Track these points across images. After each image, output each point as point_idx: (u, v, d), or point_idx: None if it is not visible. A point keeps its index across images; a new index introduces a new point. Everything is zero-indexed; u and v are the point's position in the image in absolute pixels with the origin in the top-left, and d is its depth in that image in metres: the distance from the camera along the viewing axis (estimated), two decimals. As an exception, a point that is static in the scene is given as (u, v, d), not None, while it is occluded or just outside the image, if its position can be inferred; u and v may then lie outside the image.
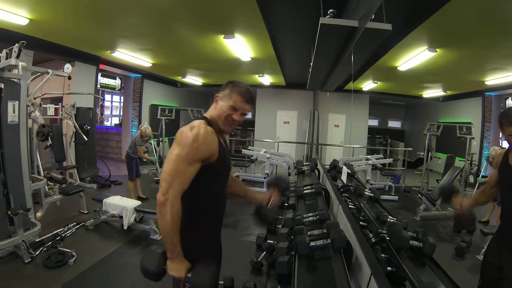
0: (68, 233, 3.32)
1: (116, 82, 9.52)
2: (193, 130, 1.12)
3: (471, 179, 5.14)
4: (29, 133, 3.59)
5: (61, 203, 3.90)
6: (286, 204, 2.16)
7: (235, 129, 10.96)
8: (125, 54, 5.67)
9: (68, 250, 2.83)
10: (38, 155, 4.18)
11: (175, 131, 1.21)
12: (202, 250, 1.21)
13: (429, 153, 5.93)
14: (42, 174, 4.04)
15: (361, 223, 1.70)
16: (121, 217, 3.52)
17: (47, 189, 3.76)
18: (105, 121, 10.37)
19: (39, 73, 3.35)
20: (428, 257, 1.31)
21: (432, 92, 7.32)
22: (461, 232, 3.63)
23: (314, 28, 2.43)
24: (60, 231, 3.29)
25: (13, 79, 2.84)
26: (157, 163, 6.16)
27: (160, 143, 7.18)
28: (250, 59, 5.45)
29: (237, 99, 1.21)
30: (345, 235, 1.27)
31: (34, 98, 4.27)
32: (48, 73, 3.33)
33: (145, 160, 4.95)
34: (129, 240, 3.34)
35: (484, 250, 1.73)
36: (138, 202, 3.65)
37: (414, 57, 4.18)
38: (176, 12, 3.49)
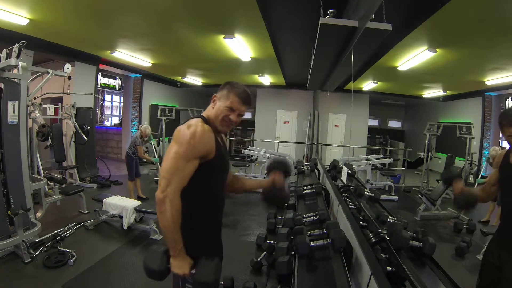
0: (68, 233, 3.32)
1: (116, 82, 9.52)
2: (190, 128, 1.14)
3: (471, 179, 5.15)
4: (29, 133, 3.59)
5: (61, 203, 3.90)
6: (286, 204, 2.16)
7: (235, 129, 10.96)
8: (125, 54, 5.67)
9: (68, 250, 2.83)
10: (38, 155, 4.18)
11: (175, 131, 1.22)
12: (202, 249, 1.21)
13: (429, 153, 5.93)
14: (42, 174, 4.04)
15: (361, 223, 1.70)
16: (121, 217, 3.52)
17: (47, 189, 3.76)
18: (105, 121, 10.37)
19: (39, 73, 3.35)
20: (428, 257, 1.31)
21: (432, 92, 7.32)
22: (461, 232, 3.64)
23: (314, 28, 2.43)
24: (60, 231, 3.29)
25: (13, 79, 2.84)
26: (157, 163, 6.17)
27: (160, 143, 7.19)
28: (250, 59, 5.45)
29: (234, 100, 1.23)
30: (345, 235, 1.27)
31: (34, 98, 4.27)
32: (48, 73, 3.33)
33: (145, 160, 4.94)
34: (129, 240, 3.34)
35: (484, 250, 1.73)
36: (138, 202, 3.65)
37: (414, 57, 4.18)
38: (176, 12, 3.49)
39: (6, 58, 2.88)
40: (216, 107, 1.26)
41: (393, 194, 5.51)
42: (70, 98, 5.69)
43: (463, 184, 1.74)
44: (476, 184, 4.51)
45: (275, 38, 4.14)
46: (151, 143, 6.37)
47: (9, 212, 2.68)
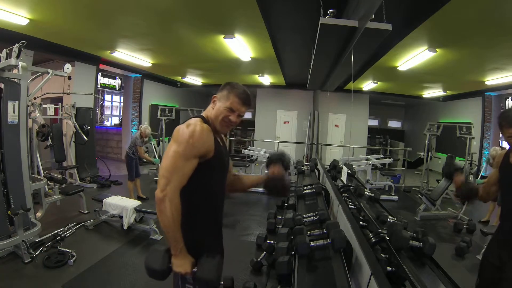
0: (68, 233, 3.32)
1: (116, 82, 9.52)
2: (189, 127, 1.15)
3: (471, 179, 5.15)
4: (29, 133, 3.59)
5: (61, 203, 3.90)
6: (286, 204, 2.15)
7: (235, 129, 10.96)
8: (125, 54, 5.67)
9: (68, 250, 2.83)
10: (38, 155, 4.18)
11: (175, 131, 1.22)
12: (202, 248, 1.21)
13: (429, 153, 5.93)
14: (42, 174, 4.04)
15: (361, 223, 1.70)
16: (121, 217, 3.52)
17: (47, 189, 3.76)
18: (105, 121, 10.37)
19: (39, 73, 3.35)
20: (428, 257, 1.31)
21: (432, 92, 7.32)
22: (461, 232, 3.64)
23: (314, 28, 2.43)
24: (60, 231, 3.29)
25: (13, 79, 2.84)
26: (158, 164, 6.17)
27: (160, 143, 7.19)
28: (250, 59, 5.45)
29: (234, 100, 1.24)
30: (345, 235, 1.27)
31: (34, 98, 4.27)
32: (48, 73, 3.33)
33: (145, 160, 4.95)
34: (129, 240, 3.34)
35: (483, 250, 1.73)
36: (138, 202, 3.64)
37: (414, 57, 4.18)
38: (176, 12, 3.49)
39: (6, 58, 2.88)
40: (216, 107, 1.26)
41: (393, 194, 5.51)
42: (70, 98, 5.69)
43: (464, 177, 1.75)
44: (476, 184, 4.51)
45: (275, 38, 4.14)
46: (151, 143, 6.37)
47: (9, 212, 2.68)
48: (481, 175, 4.97)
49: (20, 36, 4.05)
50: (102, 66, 6.72)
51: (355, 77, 5.63)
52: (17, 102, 2.82)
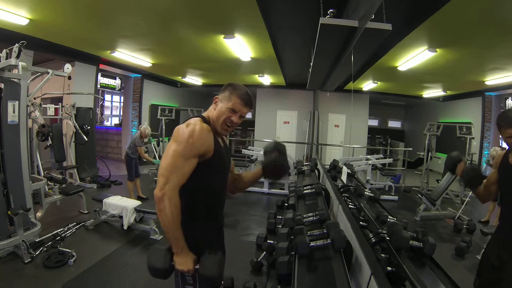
0: (68, 233, 3.32)
1: (116, 82, 9.52)
2: (189, 127, 1.15)
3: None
4: (29, 133, 3.59)
5: (61, 203, 3.90)
6: (286, 204, 2.15)
7: (235, 129, 10.95)
8: (125, 54, 5.67)
9: (68, 250, 2.83)
10: (38, 155, 4.18)
11: (175, 131, 1.22)
12: (203, 248, 1.21)
13: (429, 153, 5.93)
14: (42, 174, 4.04)
15: (361, 223, 1.70)
16: (121, 217, 3.52)
17: (47, 189, 3.76)
18: (105, 121, 10.37)
19: (39, 73, 3.35)
20: (428, 257, 1.31)
21: (432, 92, 7.32)
22: (461, 232, 3.64)
23: (314, 28, 2.43)
24: (60, 231, 3.29)
25: (13, 79, 2.84)
26: (158, 164, 6.17)
27: (160, 143, 7.18)
28: (250, 59, 5.45)
29: (236, 101, 1.24)
30: (345, 235, 1.27)
31: (34, 98, 4.27)
32: (48, 73, 3.33)
33: (145, 160, 4.95)
34: (129, 240, 3.34)
35: (483, 250, 1.73)
36: (138, 202, 3.64)
37: (414, 57, 4.18)
38: (176, 12, 3.49)
39: (6, 58, 2.88)
40: (218, 108, 1.26)
41: (393, 194, 5.51)
42: (70, 98, 5.69)
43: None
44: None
45: (275, 38, 4.14)
46: (151, 144, 6.37)
47: (9, 212, 2.68)
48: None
49: (20, 36, 4.05)
50: (102, 66, 6.72)
51: (355, 77, 5.63)
52: (17, 102, 2.82)
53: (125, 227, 3.43)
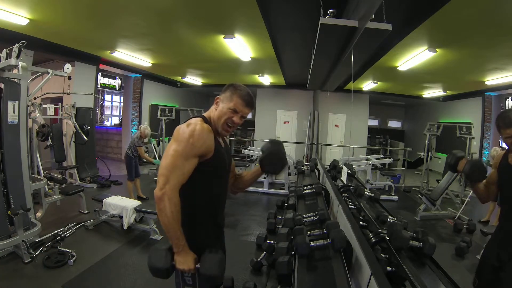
0: (68, 233, 3.32)
1: (116, 82, 9.52)
2: (189, 127, 1.15)
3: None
4: (29, 133, 3.59)
5: (61, 203, 3.90)
6: (286, 204, 2.15)
7: (235, 129, 10.94)
8: (125, 54, 5.67)
9: (68, 250, 2.83)
10: (38, 155, 4.18)
11: (175, 131, 1.22)
12: (203, 248, 1.21)
13: (429, 153, 5.93)
14: (42, 174, 4.04)
15: (361, 223, 1.70)
16: (121, 217, 3.52)
17: (47, 189, 3.76)
18: (105, 121, 10.37)
19: (39, 73, 3.35)
20: (428, 257, 1.31)
21: (432, 92, 7.32)
22: (461, 232, 3.64)
23: (314, 28, 2.43)
24: (60, 231, 3.29)
25: (13, 79, 2.84)
26: (158, 164, 6.17)
27: (160, 143, 7.19)
28: (250, 59, 5.45)
29: (238, 102, 1.24)
30: (345, 235, 1.27)
31: (34, 98, 4.27)
32: (48, 73, 3.33)
33: (145, 160, 4.95)
34: (129, 240, 3.34)
35: (483, 250, 1.73)
36: (138, 202, 3.65)
37: (414, 57, 4.18)
38: (176, 12, 3.49)
39: (6, 58, 2.88)
40: (219, 108, 1.26)
41: (393, 194, 5.51)
42: (70, 98, 5.69)
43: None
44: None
45: (275, 38, 4.14)
46: (151, 144, 6.37)
47: (9, 212, 2.68)
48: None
49: (20, 36, 4.05)
50: (102, 66, 6.72)
51: (355, 77, 5.63)
52: (17, 102, 2.82)
53: (125, 227, 3.43)
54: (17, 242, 2.66)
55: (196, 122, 1.18)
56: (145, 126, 4.72)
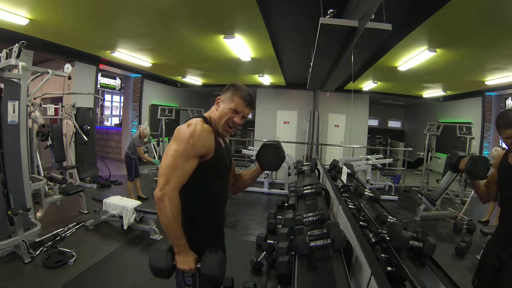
0: (68, 233, 3.31)
1: (116, 82, 9.52)
2: (190, 127, 1.15)
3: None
4: (29, 133, 3.59)
5: (61, 203, 3.90)
6: (286, 204, 2.15)
7: (236, 130, 10.94)
8: (125, 54, 5.67)
9: (68, 250, 2.83)
10: (38, 155, 4.18)
11: (175, 131, 1.22)
12: (203, 248, 1.21)
13: (429, 153, 5.93)
14: (42, 174, 4.04)
15: (361, 223, 1.70)
16: (121, 217, 3.52)
17: (47, 189, 3.76)
18: (105, 121, 10.37)
19: (39, 73, 3.35)
20: (428, 257, 1.31)
21: (432, 92, 7.32)
22: (461, 232, 3.64)
23: (314, 28, 2.43)
24: (60, 231, 3.29)
25: (13, 79, 2.84)
26: (158, 164, 6.16)
27: (160, 143, 7.19)
28: (250, 59, 5.45)
29: (238, 102, 1.24)
30: (345, 235, 1.27)
31: (34, 98, 4.27)
32: (48, 73, 3.33)
33: (145, 160, 4.95)
34: (129, 240, 3.34)
35: (482, 250, 1.73)
36: (138, 202, 3.65)
37: (414, 57, 4.18)
38: (176, 12, 3.49)
39: (6, 58, 2.88)
40: (220, 109, 1.26)
41: (393, 194, 5.50)
42: (70, 98, 5.69)
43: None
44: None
45: (275, 38, 4.14)
46: (151, 144, 6.37)
47: (9, 212, 2.68)
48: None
49: (20, 36, 4.05)
50: (102, 66, 6.72)
51: (355, 77, 5.63)
52: (17, 102, 2.82)
53: (125, 227, 3.43)
54: (17, 242, 2.66)
55: (196, 122, 1.18)
56: (145, 126, 4.72)
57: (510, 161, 1.55)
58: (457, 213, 4.10)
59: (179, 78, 8.86)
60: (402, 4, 2.64)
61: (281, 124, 9.40)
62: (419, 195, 4.57)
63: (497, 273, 1.51)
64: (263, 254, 2.81)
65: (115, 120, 10.61)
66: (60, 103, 5.68)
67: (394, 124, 10.87)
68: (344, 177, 2.69)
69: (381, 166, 5.79)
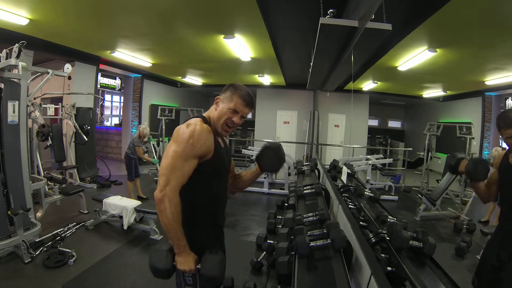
0: (68, 233, 3.31)
1: (116, 82, 9.52)
2: (189, 127, 1.15)
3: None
4: (29, 133, 3.59)
5: (61, 203, 3.90)
6: (286, 204, 2.15)
7: (235, 129, 10.95)
8: (125, 54, 5.67)
9: (68, 250, 2.83)
10: (38, 155, 4.18)
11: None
12: (203, 249, 1.21)
13: (429, 153, 5.93)
14: (42, 174, 4.04)
15: (361, 223, 1.70)
16: (121, 217, 3.52)
17: (47, 189, 3.76)
18: (105, 121, 10.37)
19: (39, 73, 3.35)
20: (428, 257, 1.31)
21: (432, 92, 7.32)
22: (461, 232, 3.64)
23: (314, 28, 2.43)
24: (60, 231, 3.29)
25: (13, 79, 2.84)
26: (157, 164, 6.16)
27: (160, 143, 7.19)
28: (250, 59, 5.45)
29: (238, 102, 1.24)
30: (345, 235, 1.27)
31: (34, 98, 4.27)
32: (48, 73, 3.33)
33: (144, 160, 4.95)
34: (129, 240, 3.34)
35: (482, 250, 1.73)
36: (138, 202, 3.64)
37: (414, 57, 4.18)
38: (176, 12, 3.49)
39: (6, 58, 2.88)
40: (219, 109, 1.26)
41: (393, 194, 5.50)
42: (70, 98, 5.69)
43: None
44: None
45: (275, 38, 4.14)
46: (150, 143, 6.37)
47: (9, 212, 2.68)
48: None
49: (20, 36, 4.05)
50: (102, 66, 6.72)
51: (355, 77, 5.63)
52: (17, 102, 2.82)
53: (125, 227, 3.43)
54: (17, 242, 2.66)
55: (195, 122, 1.17)
56: (144, 126, 4.72)
57: (510, 161, 1.55)
58: (458, 213, 4.10)
59: (179, 78, 8.86)
60: (402, 4, 2.64)
61: (281, 124, 9.40)
62: (419, 195, 4.57)
63: (497, 273, 1.51)
64: (263, 254, 2.81)
65: (115, 120, 10.61)
66: (60, 103, 5.67)
67: (394, 124, 10.87)
68: (344, 177, 2.69)
69: (381, 166, 5.79)
